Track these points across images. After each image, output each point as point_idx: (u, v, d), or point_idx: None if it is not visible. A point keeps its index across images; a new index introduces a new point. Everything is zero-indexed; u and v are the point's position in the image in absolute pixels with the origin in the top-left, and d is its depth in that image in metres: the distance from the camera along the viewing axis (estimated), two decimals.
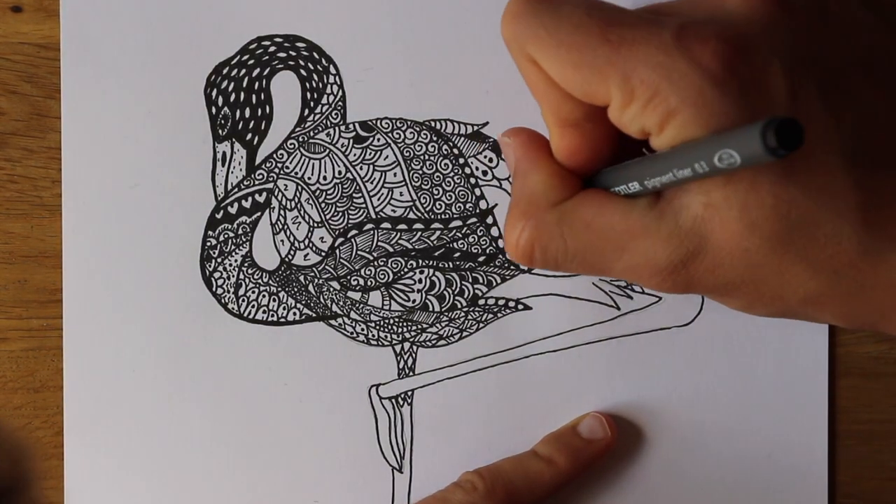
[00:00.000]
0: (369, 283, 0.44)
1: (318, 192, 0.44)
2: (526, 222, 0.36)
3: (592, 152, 0.36)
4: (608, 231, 0.35)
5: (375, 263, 0.44)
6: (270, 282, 0.44)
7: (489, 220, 0.44)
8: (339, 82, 0.44)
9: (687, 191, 0.34)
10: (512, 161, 0.39)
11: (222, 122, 0.44)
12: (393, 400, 0.44)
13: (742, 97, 0.32)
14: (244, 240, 0.44)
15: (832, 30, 0.36)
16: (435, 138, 0.44)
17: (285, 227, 0.44)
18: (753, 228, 0.33)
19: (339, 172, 0.44)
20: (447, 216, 0.44)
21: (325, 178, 0.44)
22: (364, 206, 0.44)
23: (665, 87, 0.32)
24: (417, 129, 0.44)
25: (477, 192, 0.44)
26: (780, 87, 0.33)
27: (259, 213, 0.44)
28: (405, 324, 0.44)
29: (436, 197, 0.44)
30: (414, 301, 0.44)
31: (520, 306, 0.44)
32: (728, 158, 0.30)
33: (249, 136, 0.44)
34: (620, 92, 0.33)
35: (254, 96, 0.44)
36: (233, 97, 0.44)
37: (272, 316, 0.44)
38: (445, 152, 0.44)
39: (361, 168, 0.44)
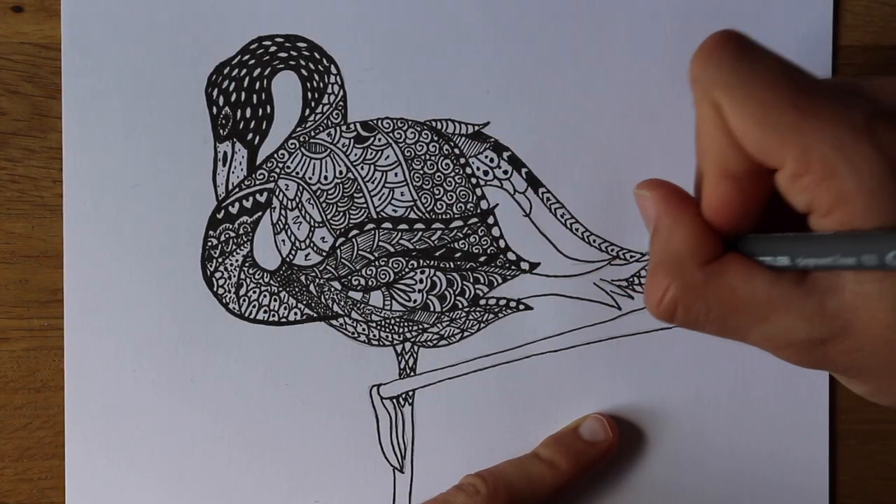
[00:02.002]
0: (370, 283, 0.44)
1: (320, 191, 0.44)
2: (672, 282, 0.36)
3: (743, 210, 0.36)
4: (752, 300, 0.35)
5: (376, 263, 0.44)
6: (271, 282, 0.44)
7: (490, 220, 0.44)
8: (339, 82, 0.44)
9: (838, 274, 0.34)
10: (651, 215, 0.38)
11: (223, 121, 0.44)
12: (394, 400, 0.44)
13: None
14: (245, 240, 0.44)
15: None
16: (436, 138, 0.44)
17: (286, 226, 0.44)
18: None
19: (341, 172, 0.44)
20: (448, 216, 0.44)
21: (326, 177, 0.44)
22: (365, 205, 0.44)
23: (845, 169, 0.32)
24: (418, 129, 0.44)
25: (478, 192, 0.44)
26: None
27: (260, 213, 0.44)
28: (406, 324, 0.44)
29: (437, 197, 0.44)
30: (415, 301, 0.44)
31: (521, 306, 0.44)
32: None
33: (250, 135, 0.44)
34: (796, 162, 0.33)
35: (255, 96, 0.44)
36: (234, 97, 0.44)
37: (273, 316, 0.44)
38: (446, 152, 0.44)
39: (362, 168, 0.44)
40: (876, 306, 0.33)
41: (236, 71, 0.44)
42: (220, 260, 0.44)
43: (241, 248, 0.44)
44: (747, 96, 0.33)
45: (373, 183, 0.44)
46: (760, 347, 0.36)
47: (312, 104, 0.44)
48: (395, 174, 0.44)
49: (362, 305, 0.44)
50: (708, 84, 0.34)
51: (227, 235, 0.44)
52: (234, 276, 0.44)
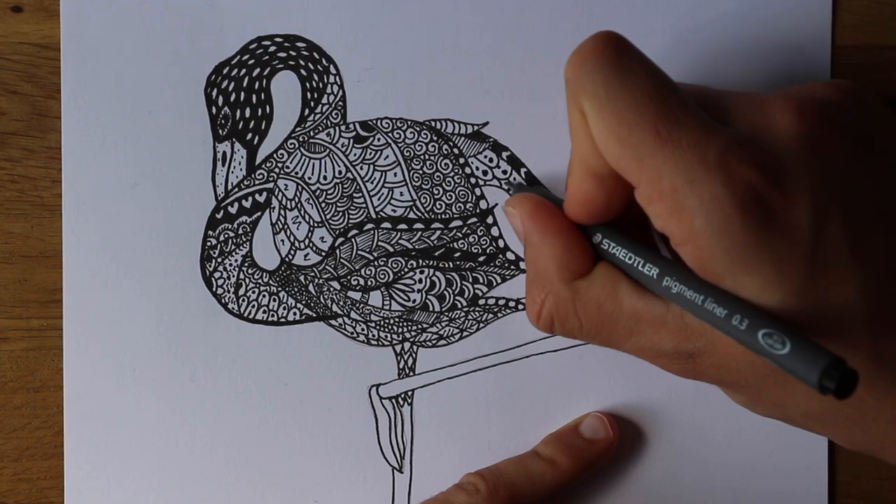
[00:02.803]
0: (369, 282, 0.44)
1: (319, 191, 0.44)
2: (545, 297, 0.37)
3: (605, 205, 0.36)
4: (618, 314, 0.36)
5: (376, 263, 0.44)
6: (271, 282, 0.44)
7: (489, 219, 0.44)
8: (339, 82, 0.44)
9: None
10: (520, 231, 0.39)
11: (222, 121, 0.44)
12: (393, 400, 0.44)
13: (765, 231, 0.32)
14: (244, 240, 0.44)
15: (875, 169, 0.35)
16: (435, 138, 0.44)
17: (285, 226, 0.44)
18: None
19: (340, 172, 0.44)
20: (447, 216, 0.44)
21: (325, 177, 0.44)
22: (364, 205, 0.44)
23: (695, 205, 0.32)
24: (418, 128, 0.44)
25: (477, 191, 0.44)
26: (805, 225, 0.33)
27: (259, 213, 0.44)
28: (405, 324, 0.44)
29: (436, 197, 0.44)
30: (414, 301, 0.44)
31: (520, 306, 0.44)
32: (774, 352, 0.31)
33: (250, 135, 0.44)
34: (650, 187, 0.33)
35: (254, 96, 0.44)
36: (233, 97, 0.44)
37: (272, 316, 0.44)
38: (446, 152, 0.44)
39: (362, 168, 0.44)
40: None
41: (235, 71, 0.44)
42: (219, 260, 0.44)
43: (241, 248, 0.44)
44: (612, 112, 0.33)
45: (372, 183, 0.44)
46: (638, 357, 0.37)
47: (312, 104, 0.44)
48: (395, 174, 0.44)
49: (361, 305, 0.44)
50: (577, 90, 0.34)
51: (226, 235, 0.44)
52: (234, 276, 0.44)
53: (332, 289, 0.44)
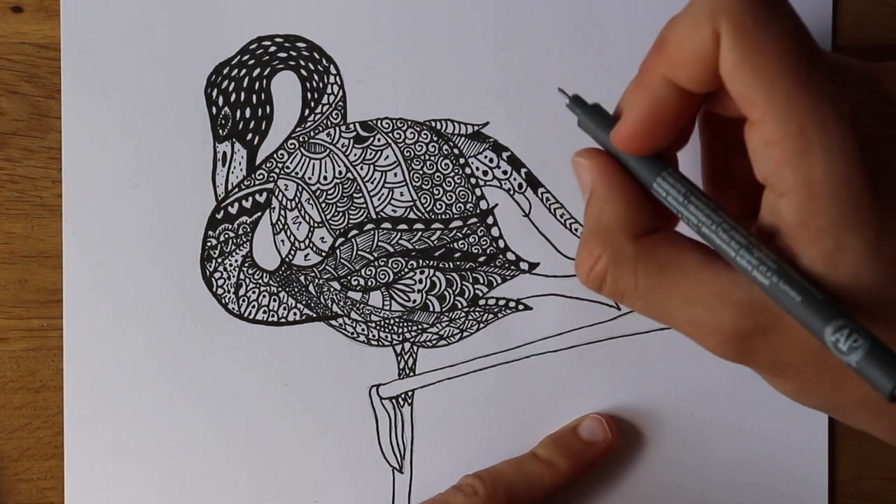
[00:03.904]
0: (370, 283, 0.44)
1: (319, 192, 0.44)
2: (604, 250, 0.35)
3: (667, 128, 0.34)
4: (680, 280, 0.34)
5: (376, 263, 0.44)
6: (271, 282, 0.44)
7: (489, 220, 0.44)
8: (339, 82, 0.44)
9: None
10: (588, 183, 0.37)
11: (223, 122, 0.44)
12: (393, 400, 0.44)
13: (878, 195, 0.32)
14: (244, 240, 0.44)
15: None
16: (435, 138, 0.44)
17: (286, 227, 0.44)
18: None
19: (340, 172, 0.44)
20: (447, 216, 0.44)
21: (325, 178, 0.44)
22: (364, 206, 0.44)
23: (820, 152, 0.31)
24: (418, 129, 0.44)
25: (477, 192, 0.44)
26: None
27: (259, 214, 0.44)
28: (406, 324, 0.44)
29: (436, 197, 0.44)
30: (414, 301, 0.44)
31: (520, 306, 0.44)
32: (846, 352, 0.30)
33: (250, 136, 0.44)
34: (774, 125, 0.32)
35: (254, 96, 0.44)
36: (233, 97, 0.44)
37: (272, 316, 0.44)
38: (446, 152, 0.44)
39: (362, 168, 0.44)
40: None
41: (236, 71, 0.44)
42: (219, 260, 0.44)
43: (241, 248, 0.44)
44: (754, 40, 0.32)
45: (372, 183, 0.44)
46: (684, 333, 0.35)
47: (312, 104, 0.44)
48: (395, 174, 0.44)
49: (362, 305, 0.44)
50: (720, 6, 0.32)
51: (226, 236, 0.44)
52: (234, 276, 0.44)
53: (332, 289, 0.44)
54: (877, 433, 0.36)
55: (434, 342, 0.44)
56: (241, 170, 0.44)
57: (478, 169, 0.44)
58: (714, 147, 0.37)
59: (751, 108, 0.32)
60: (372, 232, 0.44)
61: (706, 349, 0.35)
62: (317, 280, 0.44)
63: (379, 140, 0.44)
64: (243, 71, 0.44)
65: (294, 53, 0.44)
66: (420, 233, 0.44)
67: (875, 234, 0.32)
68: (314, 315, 0.44)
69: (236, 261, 0.44)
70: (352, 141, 0.44)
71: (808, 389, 0.35)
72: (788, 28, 0.32)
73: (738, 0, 0.32)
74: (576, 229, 0.44)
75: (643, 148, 0.35)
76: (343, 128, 0.44)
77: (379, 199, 0.44)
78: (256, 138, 0.44)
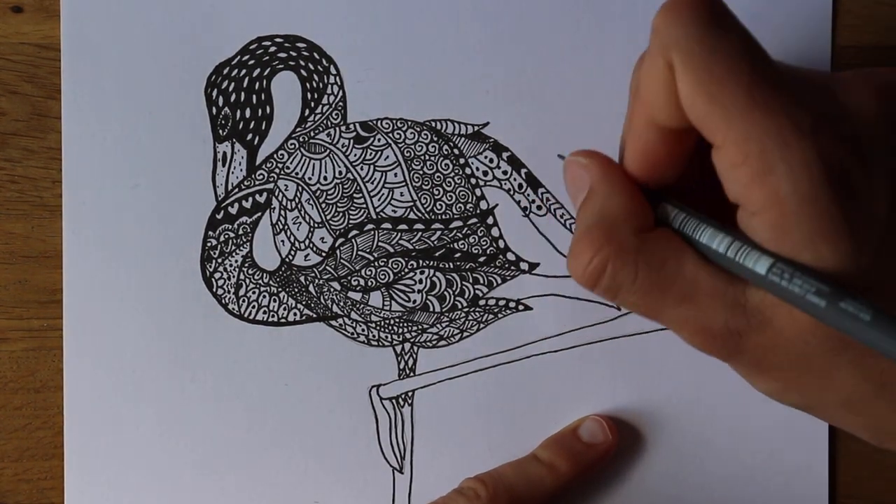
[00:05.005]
0: (370, 283, 0.44)
1: (319, 192, 0.44)
2: (605, 243, 0.36)
3: (666, 162, 0.36)
4: (677, 277, 0.35)
5: (376, 264, 0.44)
6: (271, 282, 0.44)
7: (490, 220, 0.44)
8: (339, 82, 0.44)
9: None
10: (587, 181, 0.37)
11: (223, 122, 0.44)
12: (393, 400, 0.44)
13: (847, 206, 0.32)
14: (245, 240, 0.44)
15: None
16: (435, 138, 0.44)
17: (286, 227, 0.44)
18: (820, 327, 0.33)
19: (340, 173, 0.44)
20: (448, 216, 0.44)
21: (325, 178, 0.44)
22: (364, 206, 0.44)
23: (782, 170, 0.32)
24: (418, 129, 0.44)
25: (477, 192, 0.44)
26: (882, 206, 0.33)
27: (259, 214, 0.44)
28: (406, 324, 0.44)
29: (436, 197, 0.44)
30: (414, 301, 0.44)
31: (520, 307, 0.44)
32: (855, 323, 0.31)
33: (250, 136, 0.44)
34: (736, 148, 0.32)
35: (254, 96, 0.44)
36: (233, 97, 0.44)
37: (273, 316, 0.44)
38: (446, 152, 0.44)
39: (362, 168, 0.44)
40: (797, 309, 0.33)
41: (236, 71, 0.44)
42: (219, 260, 0.44)
43: (241, 248, 0.44)
44: (705, 68, 0.32)
45: (372, 183, 0.44)
46: (672, 329, 0.36)
47: (312, 104, 0.44)
48: (395, 174, 0.44)
49: (362, 306, 0.44)
50: (668, 41, 0.33)
51: (226, 236, 0.44)
52: (234, 276, 0.44)
53: (332, 289, 0.44)
54: (857, 432, 0.37)
55: (434, 342, 0.44)
56: (241, 170, 0.44)
57: (478, 169, 0.44)
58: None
59: (712, 133, 0.33)
60: (372, 232, 0.44)
61: (693, 346, 0.36)
62: (317, 280, 0.44)
63: (379, 140, 0.44)
64: (243, 71, 0.44)
65: (294, 53, 0.44)
66: (420, 233, 0.44)
67: (850, 244, 0.32)
68: (314, 315, 0.44)
69: (236, 261, 0.44)
70: (352, 141, 0.44)
71: (790, 388, 0.36)
72: (738, 49, 0.33)
73: (685, 30, 0.33)
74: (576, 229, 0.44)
75: (648, 184, 0.36)
76: (343, 128, 0.44)
77: (379, 200, 0.44)
78: (256, 138, 0.44)
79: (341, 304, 0.44)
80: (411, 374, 0.44)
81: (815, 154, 0.32)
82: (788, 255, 0.33)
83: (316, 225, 0.44)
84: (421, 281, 0.44)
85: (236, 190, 0.44)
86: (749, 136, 0.32)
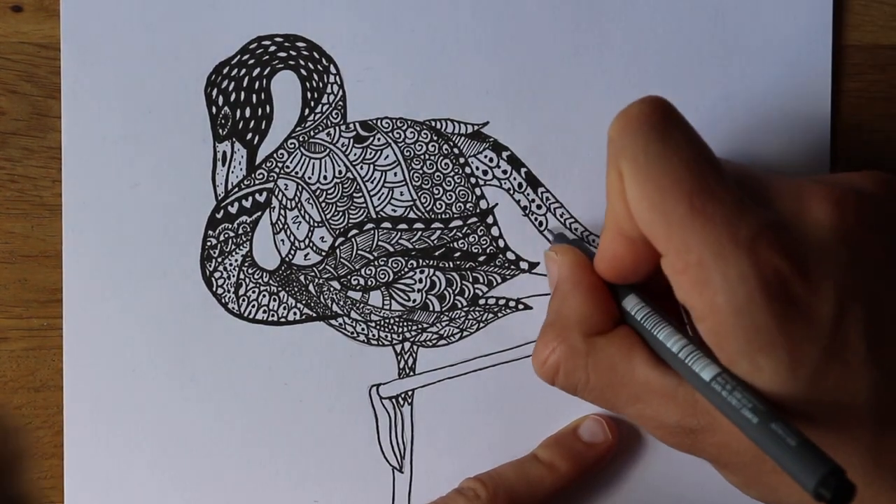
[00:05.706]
0: (370, 282, 0.44)
1: (319, 191, 0.44)
2: (558, 345, 0.38)
3: (633, 269, 0.37)
4: (628, 379, 0.37)
5: (376, 263, 0.44)
6: (271, 281, 0.44)
7: (489, 219, 0.44)
8: (339, 82, 0.44)
9: None
10: (555, 277, 0.40)
11: (222, 121, 0.44)
12: (393, 400, 0.44)
13: (785, 317, 0.32)
14: (244, 239, 0.44)
15: None
16: (435, 138, 0.44)
17: (286, 226, 0.44)
18: None
19: (340, 172, 0.44)
20: (447, 216, 0.44)
21: (325, 177, 0.44)
22: (364, 205, 0.44)
23: (718, 281, 0.32)
24: (418, 128, 0.44)
25: (477, 191, 0.44)
26: (826, 317, 0.33)
27: (259, 213, 0.44)
28: (406, 323, 0.44)
29: (436, 196, 0.44)
30: (414, 301, 0.44)
31: (520, 306, 0.44)
32: (775, 450, 0.31)
33: (250, 135, 0.44)
34: (677, 257, 0.33)
35: (254, 96, 0.44)
36: (233, 97, 0.44)
37: (272, 316, 0.44)
38: (446, 152, 0.44)
39: (362, 167, 0.44)
40: None
41: (235, 71, 0.44)
42: (219, 260, 0.44)
43: (241, 247, 0.44)
44: (648, 177, 0.33)
45: (372, 183, 0.44)
46: (636, 423, 0.38)
47: (312, 104, 0.44)
48: (395, 174, 0.44)
49: (361, 305, 0.44)
50: (618, 151, 0.34)
51: (226, 235, 0.44)
52: (234, 275, 0.44)
53: (332, 288, 0.44)
54: None
55: (434, 342, 0.44)
56: (241, 169, 0.44)
57: (478, 168, 0.44)
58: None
59: (656, 241, 0.34)
60: (372, 231, 0.44)
61: (655, 438, 0.37)
62: (317, 279, 0.44)
63: (379, 140, 0.44)
64: (243, 71, 0.44)
65: (294, 53, 0.44)
66: (420, 232, 0.44)
67: (787, 355, 0.33)
68: (314, 315, 0.44)
69: (236, 260, 0.44)
70: (352, 140, 0.44)
71: (751, 485, 0.37)
72: (682, 158, 0.33)
73: (633, 140, 0.34)
74: (576, 229, 0.44)
75: (615, 280, 0.38)
76: (343, 127, 0.44)
77: (379, 199, 0.44)
78: (256, 138, 0.44)
79: (341, 303, 0.44)
80: (411, 373, 0.44)
81: (750, 266, 0.32)
82: (727, 363, 0.33)
83: (316, 224, 0.44)
84: (421, 280, 0.44)
85: (236, 189, 0.44)
86: (688, 246, 0.33)
